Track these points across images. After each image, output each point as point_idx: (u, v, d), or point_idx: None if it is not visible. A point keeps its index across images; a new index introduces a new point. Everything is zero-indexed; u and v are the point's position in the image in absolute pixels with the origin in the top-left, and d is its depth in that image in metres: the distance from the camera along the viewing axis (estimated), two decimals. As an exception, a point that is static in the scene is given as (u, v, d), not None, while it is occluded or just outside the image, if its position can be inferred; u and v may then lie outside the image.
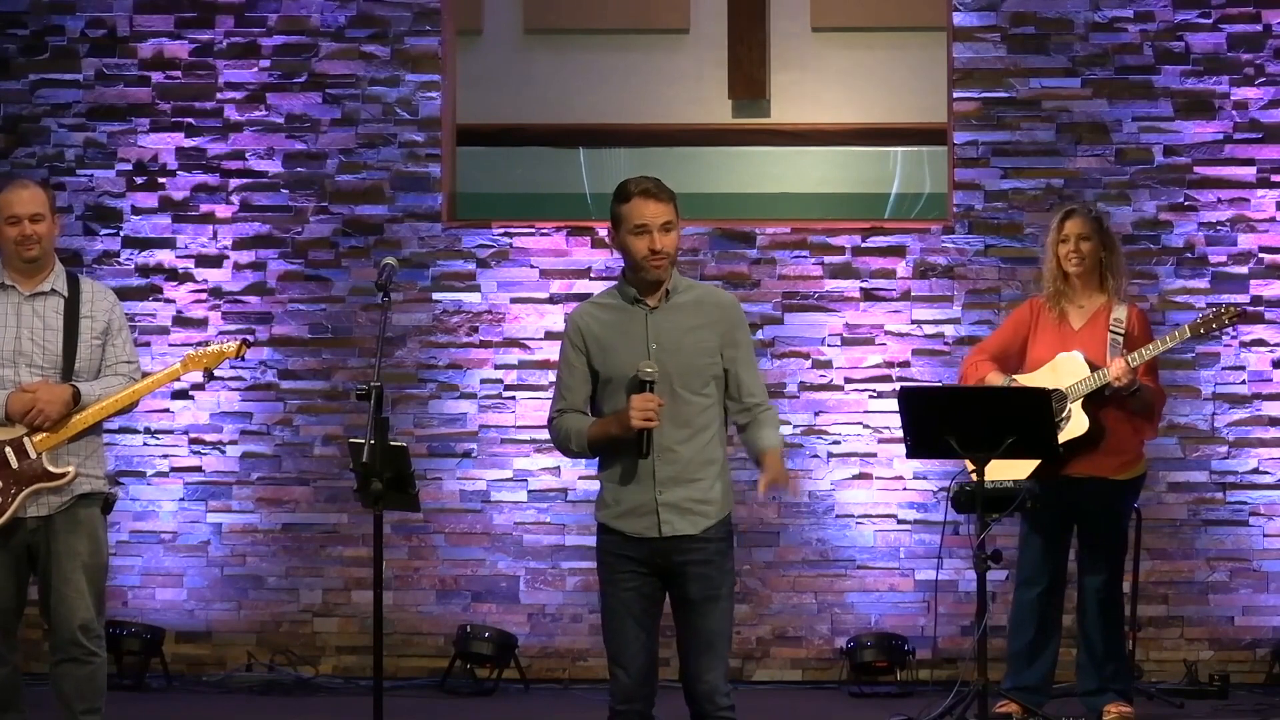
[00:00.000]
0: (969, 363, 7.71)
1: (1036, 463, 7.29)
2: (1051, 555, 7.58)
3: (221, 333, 8.97)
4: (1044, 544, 7.55)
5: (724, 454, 5.70)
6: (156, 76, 9.21)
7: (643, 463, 5.56)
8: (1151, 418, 7.62)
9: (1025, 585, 7.60)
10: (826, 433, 8.99)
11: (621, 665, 5.59)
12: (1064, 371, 7.46)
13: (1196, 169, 8.94)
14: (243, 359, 6.85)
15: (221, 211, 9.19)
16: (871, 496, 8.93)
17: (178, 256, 9.18)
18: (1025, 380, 7.48)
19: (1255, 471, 8.87)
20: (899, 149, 10.06)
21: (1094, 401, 7.41)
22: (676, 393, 5.57)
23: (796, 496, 5.63)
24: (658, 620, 5.65)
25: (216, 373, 8.66)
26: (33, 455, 6.38)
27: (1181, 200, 8.94)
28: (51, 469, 6.39)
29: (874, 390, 8.97)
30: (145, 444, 9.12)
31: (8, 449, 6.37)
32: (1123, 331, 7.48)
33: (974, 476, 7.06)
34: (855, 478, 8.96)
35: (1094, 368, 7.42)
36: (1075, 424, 7.41)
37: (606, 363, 5.62)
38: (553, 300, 9.07)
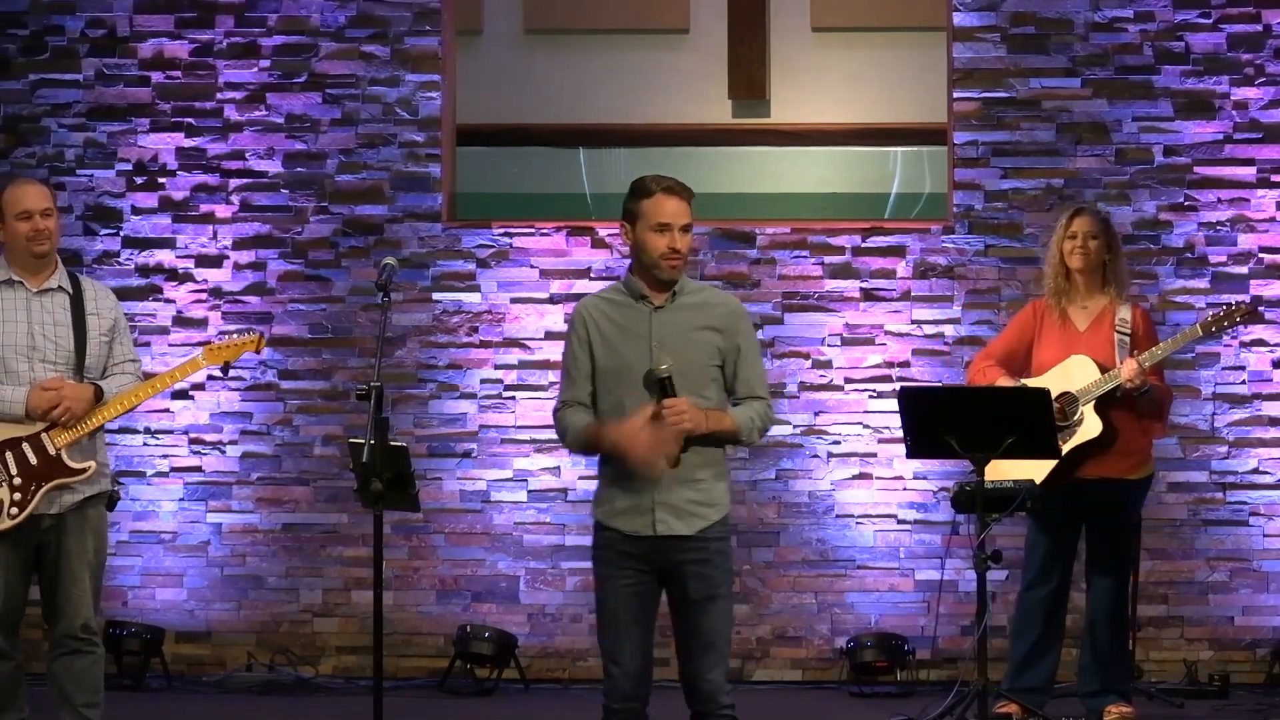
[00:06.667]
0: (976, 368, 7.68)
1: (1051, 465, 7.29)
2: (1059, 557, 7.57)
3: (221, 332, 8.94)
4: (1052, 546, 7.54)
5: (723, 454, 5.68)
6: (156, 76, 9.21)
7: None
8: (1160, 417, 7.62)
9: (1032, 587, 7.59)
10: (826, 433, 8.99)
11: (618, 663, 5.58)
12: (1074, 374, 7.45)
13: (1196, 169, 8.94)
14: (259, 353, 6.88)
15: (221, 211, 9.18)
16: (871, 496, 8.94)
17: (178, 256, 9.17)
18: (1034, 384, 7.47)
19: (1255, 471, 8.86)
20: (899, 149, 10.07)
21: (1104, 403, 7.41)
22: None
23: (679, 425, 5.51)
24: (654, 619, 5.63)
25: (216, 372, 8.66)
26: (52, 451, 6.41)
27: (1181, 200, 8.94)
28: (72, 464, 6.42)
29: (874, 390, 8.97)
30: (145, 444, 9.12)
31: (25, 445, 6.40)
32: (1129, 332, 7.49)
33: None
34: (855, 478, 8.97)
35: (1104, 370, 7.42)
36: (1088, 427, 7.40)
37: (608, 358, 5.62)
38: (553, 300, 9.06)
